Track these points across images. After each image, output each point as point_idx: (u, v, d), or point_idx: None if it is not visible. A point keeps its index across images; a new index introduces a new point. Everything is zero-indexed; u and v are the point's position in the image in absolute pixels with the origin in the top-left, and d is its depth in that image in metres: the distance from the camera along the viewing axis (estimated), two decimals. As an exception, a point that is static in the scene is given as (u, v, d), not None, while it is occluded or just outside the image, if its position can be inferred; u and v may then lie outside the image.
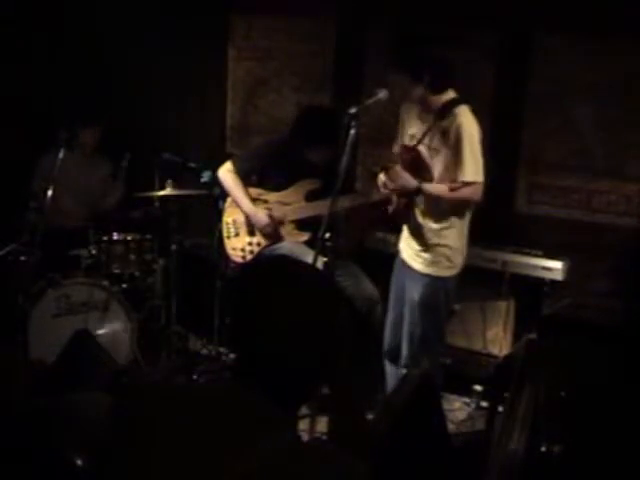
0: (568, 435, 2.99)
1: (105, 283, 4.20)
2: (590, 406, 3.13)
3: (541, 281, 3.97)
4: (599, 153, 4.17)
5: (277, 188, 4.06)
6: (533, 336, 3.29)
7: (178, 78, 5.15)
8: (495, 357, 4.12)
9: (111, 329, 4.17)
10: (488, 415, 3.66)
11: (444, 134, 3.17)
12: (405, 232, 3.47)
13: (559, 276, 3.94)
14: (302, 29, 5.02)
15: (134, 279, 4.43)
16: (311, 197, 4.03)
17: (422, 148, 3.24)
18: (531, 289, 4.00)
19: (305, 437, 3.12)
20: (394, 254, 3.60)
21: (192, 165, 4.37)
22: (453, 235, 3.31)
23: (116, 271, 4.35)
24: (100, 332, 4.09)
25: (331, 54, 4.94)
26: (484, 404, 3.98)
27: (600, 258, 4.16)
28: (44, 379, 3.44)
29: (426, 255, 3.33)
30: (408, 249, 3.43)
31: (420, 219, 3.33)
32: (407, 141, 3.37)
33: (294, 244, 3.98)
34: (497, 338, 4.15)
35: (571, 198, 4.29)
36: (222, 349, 4.47)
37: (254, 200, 4.03)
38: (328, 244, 3.65)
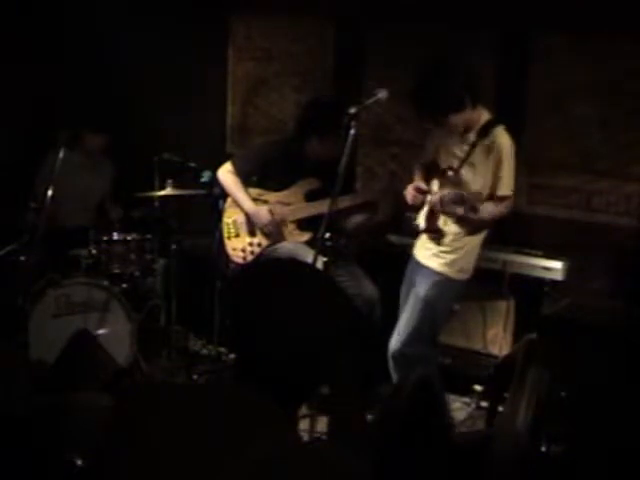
0: (568, 435, 2.98)
1: (105, 283, 4.20)
2: (590, 406, 3.12)
3: (541, 281, 3.97)
4: (599, 153, 4.17)
5: (277, 188, 4.05)
6: (533, 336, 3.28)
7: (178, 78, 5.15)
8: (495, 357, 4.12)
9: (111, 329, 4.17)
10: (488, 415, 3.66)
11: (485, 151, 3.27)
12: (424, 236, 3.51)
13: (559, 276, 3.94)
14: (302, 29, 5.02)
15: (134, 279, 4.43)
16: (311, 197, 4.02)
17: (464, 170, 3.31)
18: (531, 289, 4.00)
19: (305, 437, 3.12)
20: (395, 254, 3.60)
21: (192, 165, 4.37)
22: (470, 239, 3.40)
23: (116, 271, 4.34)
24: (100, 332, 4.09)
25: (331, 54, 4.94)
26: (484, 404, 3.98)
27: (600, 258, 4.16)
28: (44, 379, 3.44)
29: (444, 256, 3.40)
30: (424, 250, 3.49)
31: (442, 225, 3.40)
32: (445, 157, 3.43)
33: (295, 244, 3.98)
34: (497, 338, 4.15)
35: (571, 198, 4.28)
36: (222, 349, 4.47)
37: (254, 200, 4.03)
38: (328, 244, 3.65)
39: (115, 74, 5.06)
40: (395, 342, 3.49)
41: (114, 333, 4.16)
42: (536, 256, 4.01)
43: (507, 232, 4.31)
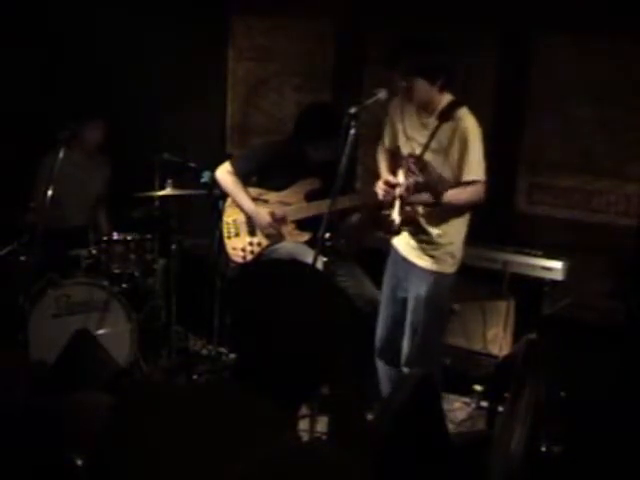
0: (568, 435, 2.98)
1: (105, 283, 4.20)
2: (590, 406, 3.13)
3: (541, 281, 3.97)
4: (599, 153, 4.17)
5: (277, 188, 4.05)
6: (533, 336, 3.28)
7: (178, 78, 5.15)
8: (495, 357, 4.12)
9: (111, 329, 4.17)
10: (488, 415, 3.66)
11: (449, 136, 3.21)
12: (405, 233, 3.46)
13: (559, 276, 3.94)
14: (302, 29, 5.02)
15: (134, 279, 4.43)
16: (311, 197, 4.02)
17: (428, 156, 3.25)
18: (531, 289, 4.00)
19: (305, 437, 3.12)
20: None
21: (192, 165, 4.37)
22: (455, 232, 3.36)
23: (116, 271, 4.34)
24: (100, 332, 4.09)
25: (331, 54, 4.94)
26: (484, 404, 3.98)
27: (600, 258, 4.16)
28: (44, 379, 3.44)
29: (432, 253, 3.37)
30: (410, 248, 3.44)
31: (422, 221, 3.35)
32: (405, 144, 3.38)
33: (295, 244, 3.98)
34: (497, 338, 4.15)
35: (571, 198, 4.28)
36: (222, 349, 4.47)
37: (254, 200, 4.03)
38: (328, 244, 3.65)
39: (115, 74, 5.06)
40: (407, 349, 3.46)
41: (114, 333, 4.16)
42: (536, 256, 4.01)
43: (507, 232, 4.32)
